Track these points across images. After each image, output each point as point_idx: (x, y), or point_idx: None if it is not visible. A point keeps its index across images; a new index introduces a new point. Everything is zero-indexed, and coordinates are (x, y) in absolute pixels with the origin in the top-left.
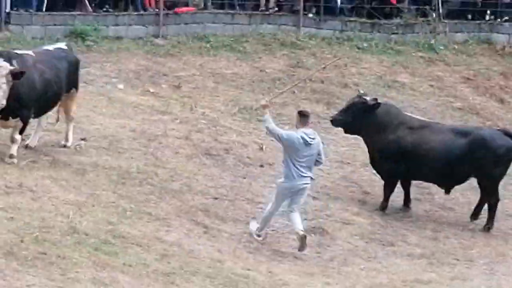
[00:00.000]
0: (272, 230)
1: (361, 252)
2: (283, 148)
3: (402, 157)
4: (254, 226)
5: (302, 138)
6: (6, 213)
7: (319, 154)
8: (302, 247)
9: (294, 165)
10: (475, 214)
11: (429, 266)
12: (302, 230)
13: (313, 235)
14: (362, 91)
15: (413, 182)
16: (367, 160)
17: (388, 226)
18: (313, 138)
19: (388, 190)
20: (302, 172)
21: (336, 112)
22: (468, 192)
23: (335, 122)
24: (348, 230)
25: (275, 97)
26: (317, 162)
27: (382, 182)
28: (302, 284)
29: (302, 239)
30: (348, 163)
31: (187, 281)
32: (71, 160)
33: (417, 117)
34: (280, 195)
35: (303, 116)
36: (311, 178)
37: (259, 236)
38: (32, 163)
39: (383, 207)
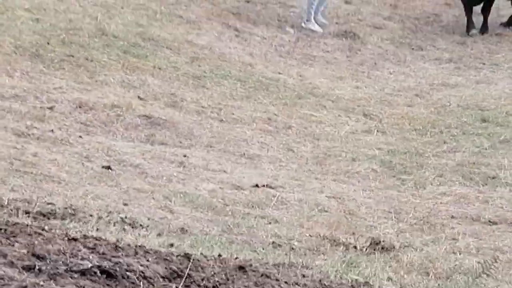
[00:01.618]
0: (304, 34)
1: (391, 56)
2: None
3: None
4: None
5: None
6: (32, 14)
7: None
8: None
9: None
10: (509, 23)
11: (456, 70)
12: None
13: (344, 39)
14: None
15: None
16: None
17: (418, 31)
18: None
19: None
20: None
21: None
22: None
23: None
24: (378, 34)
25: None
26: None
27: None
28: (332, 88)
29: None
30: None
31: (217, 84)
32: None
33: None
34: None
35: None
36: None
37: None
38: None
39: None
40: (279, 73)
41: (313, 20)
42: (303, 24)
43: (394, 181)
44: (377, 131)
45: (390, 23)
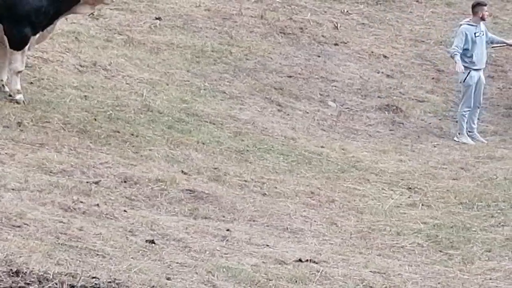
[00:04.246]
0: (346, 108)
1: (434, 129)
2: None
3: None
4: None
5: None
6: (80, 92)
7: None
8: None
9: None
10: None
11: (502, 142)
12: None
13: (386, 112)
14: None
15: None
16: (442, 38)
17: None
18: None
19: None
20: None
21: None
22: None
23: None
24: (421, 108)
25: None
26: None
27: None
28: (375, 161)
29: None
30: (423, 41)
31: (260, 158)
32: (145, 39)
33: None
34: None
35: None
36: None
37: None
38: (106, 42)
39: None
40: (322, 147)
41: (465, 133)
42: (455, 138)
43: (441, 256)
44: (422, 204)
45: (433, 96)
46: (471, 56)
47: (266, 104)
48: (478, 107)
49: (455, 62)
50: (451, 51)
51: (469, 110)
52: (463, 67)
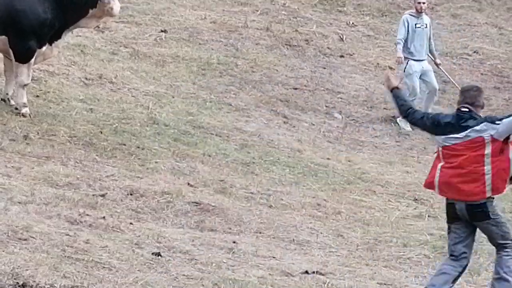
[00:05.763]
0: (352, 120)
1: None
2: None
3: None
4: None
5: None
6: (86, 105)
7: None
8: None
9: None
10: None
11: None
12: None
13: (392, 124)
14: None
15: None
16: (447, 50)
17: None
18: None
19: None
20: None
21: None
22: None
23: None
24: None
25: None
26: None
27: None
28: (382, 173)
29: None
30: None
31: (266, 170)
32: (151, 52)
33: None
34: None
35: None
36: None
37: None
38: (112, 54)
39: None
40: (328, 159)
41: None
42: (397, 120)
43: None
44: (428, 216)
45: (439, 108)
46: (410, 47)
47: (272, 116)
48: (435, 95)
49: (397, 51)
50: (396, 42)
51: (414, 99)
52: (401, 58)
